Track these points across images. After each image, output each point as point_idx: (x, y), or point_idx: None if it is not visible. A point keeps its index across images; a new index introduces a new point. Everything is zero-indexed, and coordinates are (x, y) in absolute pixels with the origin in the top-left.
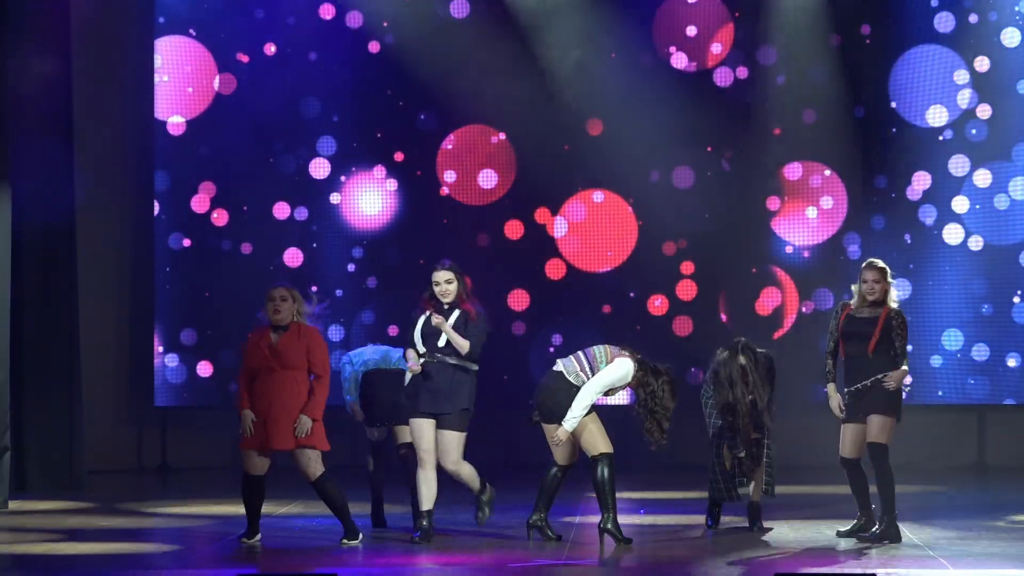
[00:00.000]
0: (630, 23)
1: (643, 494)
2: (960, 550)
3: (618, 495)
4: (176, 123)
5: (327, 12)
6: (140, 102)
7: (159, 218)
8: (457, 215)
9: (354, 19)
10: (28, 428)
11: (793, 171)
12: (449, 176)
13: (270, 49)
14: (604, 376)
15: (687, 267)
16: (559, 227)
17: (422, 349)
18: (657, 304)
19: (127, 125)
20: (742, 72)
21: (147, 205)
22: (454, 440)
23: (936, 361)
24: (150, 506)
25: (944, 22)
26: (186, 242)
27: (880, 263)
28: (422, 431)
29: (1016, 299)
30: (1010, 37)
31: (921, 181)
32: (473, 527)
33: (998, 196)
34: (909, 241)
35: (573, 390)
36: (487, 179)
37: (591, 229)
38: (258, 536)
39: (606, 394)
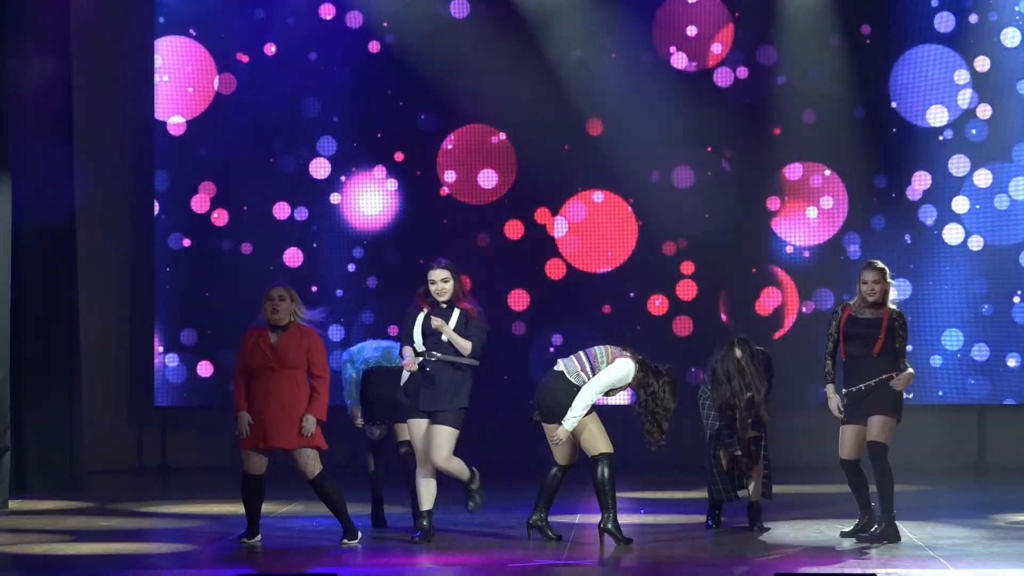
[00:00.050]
0: (630, 23)
1: (643, 494)
2: (960, 550)
3: (618, 495)
4: (176, 123)
5: (327, 12)
6: (140, 102)
7: (159, 218)
8: (457, 215)
9: (354, 19)
10: (28, 428)
11: (793, 171)
12: (449, 176)
13: (270, 49)
14: (605, 376)
15: (687, 267)
16: (559, 227)
17: (421, 348)
18: (657, 304)
19: (127, 125)
20: (742, 72)
21: (147, 205)
22: (447, 436)
23: (936, 361)
24: (150, 506)
25: (944, 22)
26: (186, 242)
27: (880, 264)
28: (421, 431)
29: (1016, 299)
30: (1010, 37)
31: (921, 181)
32: (473, 527)
33: (998, 196)
34: (909, 241)
35: (574, 390)
36: (487, 179)
37: (591, 229)
38: (258, 536)
39: (606, 394)
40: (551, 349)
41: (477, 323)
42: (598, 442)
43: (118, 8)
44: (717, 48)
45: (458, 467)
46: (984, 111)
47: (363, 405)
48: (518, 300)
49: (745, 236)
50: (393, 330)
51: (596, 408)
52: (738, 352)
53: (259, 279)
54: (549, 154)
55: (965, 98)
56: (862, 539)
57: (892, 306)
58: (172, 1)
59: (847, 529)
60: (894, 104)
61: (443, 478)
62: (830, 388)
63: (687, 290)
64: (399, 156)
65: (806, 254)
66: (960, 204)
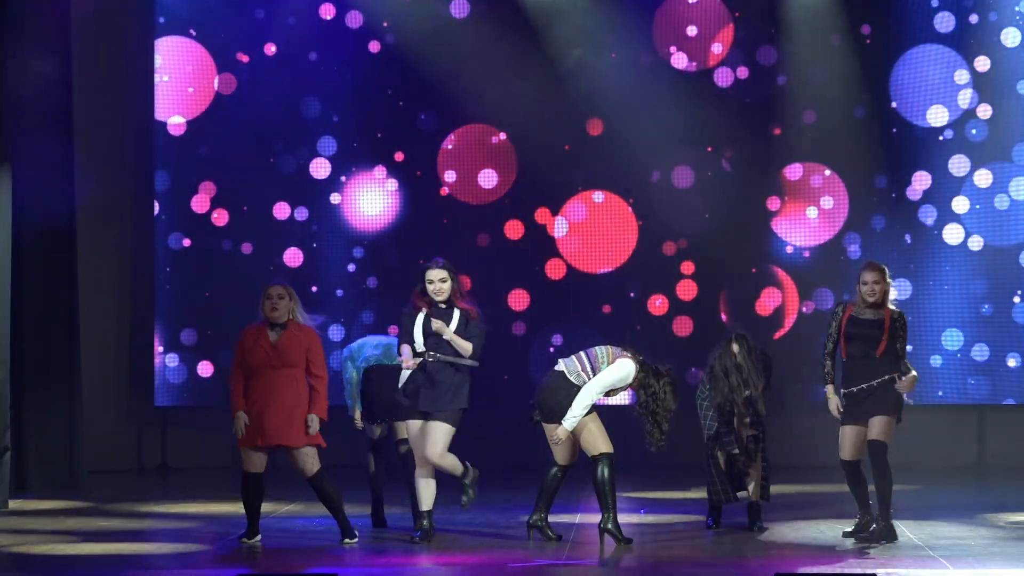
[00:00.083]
0: (630, 23)
1: (643, 494)
2: (960, 550)
3: (618, 495)
4: (176, 123)
5: (327, 12)
6: (140, 102)
7: (159, 218)
8: (457, 215)
9: (354, 19)
10: (28, 428)
11: (793, 171)
12: (449, 176)
13: (270, 49)
14: (605, 376)
15: (687, 267)
16: (559, 227)
17: (422, 348)
18: (657, 304)
19: (127, 125)
20: (742, 72)
21: (147, 205)
22: (443, 432)
23: (936, 361)
24: (150, 506)
25: (944, 22)
26: (186, 242)
27: (879, 264)
28: (421, 432)
29: (1016, 299)
30: (1010, 37)
31: (921, 181)
32: (473, 527)
33: (998, 196)
34: (909, 241)
35: (574, 390)
36: (487, 179)
37: (591, 229)
38: (258, 536)
39: (607, 394)
40: (551, 349)
41: (477, 324)
42: (598, 442)
43: (118, 8)
44: (717, 48)
45: (452, 463)
46: (984, 111)
47: (363, 403)
48: (518, 300)
49: (745, 236)
50: (393, 330)
51: (596, 408)
52: (735, 347)
53: (259, 279)
54: (549, 154)
55: (965, 98)
56: (860, 538)
57: (892, 306)
58: (172, 1)
59: (848, 529)
60: (894, 104)
61: (442, 478)
62: (829, 388)
63: (687, 290)
64: (399, 156)
65: (806, 254)
66: (960, 204)
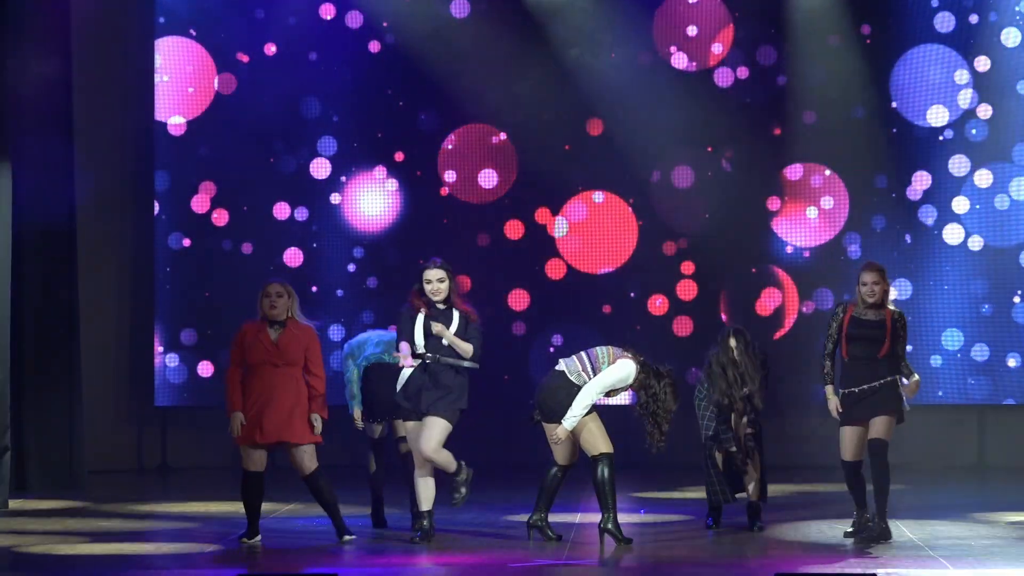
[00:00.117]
0: (630, 23)
1: (643, 494)
2: (960, 550)
3: (618, 495)
4: (176, 123)
5: (327, 12)
6: (140, 102)
7: (159, 218)
8: (457, 215)
9: (354, 19)
10: (28, 428)
11: (793, 171)
12: (449, 176)
13: (270, 49)
14: (606, 377)
15: (687, 267)
16: (559, 227)
17: (422, 350)
18: (657, 304)
19: (127, 125)
20: (742, 72)
21: (147, 205)
22: (440, 427)
23: (936, 361)
24: (150, 506)
25: (944, 22)
26: (186, 242)
27: (878, 264)
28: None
29: (1016, 299)
30: (1010, 37)
31: (921, 181)
32: (473, 527)
33: (998, 196)
34: (909, 241)
35: (574, 389)
36: (487, 179)
37: (591, 229)
38: (258, 536)
39: (607, 395)
40: (551, 349)
41: (476, 326)
42: (598, 442)
43: (118, 8)
44: (717, 48)
45: (446, 459)
46: (984, 111)
47: (363, 402)
48: (518, 300)
49: (745, 236)
50: (394, 330)
51: (596, 408)
52: (732, 342)
53: (259, 279)
54: (549, 154)
55: (965, 98)
56: (858, 538)
57: (891, 307)
58: (172, 1)
59: (849, 529)
60: (894, 104)
61: (441, 477)
62: (829, 389)
63: (687, 290)
64: (399, 156)
65: (806, 254)
66: (960, 204)
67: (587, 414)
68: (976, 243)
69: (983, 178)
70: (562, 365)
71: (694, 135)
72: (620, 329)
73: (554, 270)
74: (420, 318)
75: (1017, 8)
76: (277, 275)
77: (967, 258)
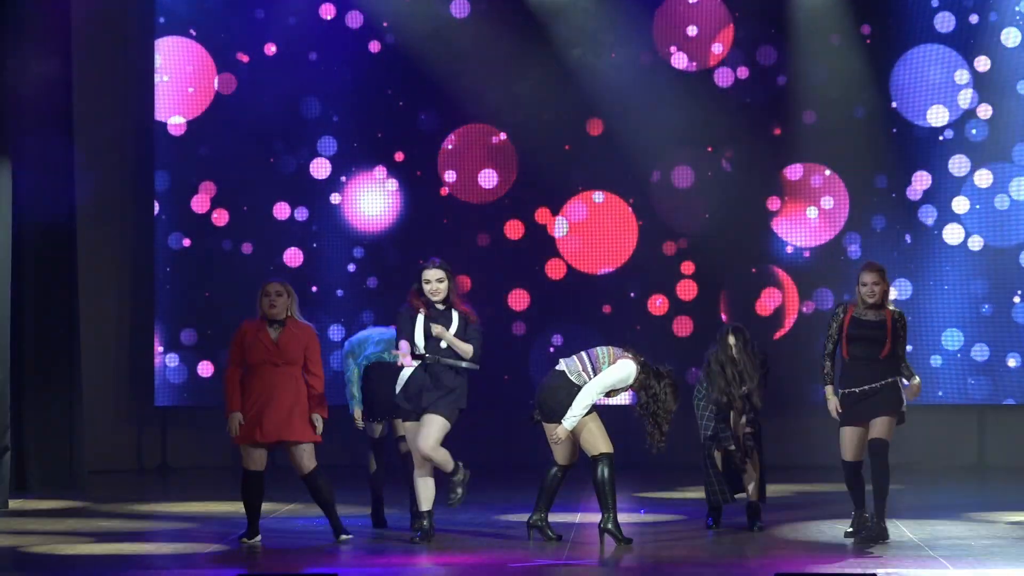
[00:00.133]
0: (630, 23)
1: (643, 494)
2: (960, 550)
3: (618, 495)
4: (176, 123)
5: (327, 12)
6: (140, 102)
7: (159, 218)
8: (457, 215)
9: (354, 19)
10: (28, 428)
11: (793, 171)
12: (449, 176)
13: (270, 49)
14: (606, 377)
15: (687, 267)
16: (559, 227)
17: (422, 350)
18: (657, 304)
19: (127, 125)
20: (742, 72)
21: (147, 205)
22: (438, 424)
23: (936, 361)
24: (150, 506)
25: (944, 22)
26: (186, 242)
27: (878, 264)
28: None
29: (1016, 299)
30: (1010, 37)
31: (921, 181)
32: (473, 527)
33: (998, 196)
34: (909, 241)
35: (575, 389)
36: (488, 179)
37: (591, 229)
38: (258, 536)
39: (607, 395)
40: (551, 349)
41: (476, 327)
42: (598, 442)
43: (118, 8)
44: (717, 48)
45: (443, 457)
46: (984, 111)
47: (363, 401)
48: (518, 300)
49: (745, 236)
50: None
51: (596, 408)
52: (731, 339)
53: (259, 279)
54: (549, 154)
55: (965, 98)
56: (857, 538)
57: (891, 307)
58: (172, 1)
59: (850, 529)
60: (894, 104)
61: (440, 478)
62: (829, 389)
63: (687, 290)
64: (399, 156)
65: (806, 254)
66: (960, 204)
67: (587, 414)
68: (976, 243)
69: (983, 178)
70: (562, 365)
71: (694, 135)
72: (620, 329)
73: (554, 270)
74: (420, 319)
75: (1017, 8)
76: (277, 275)
77: (967, 258)
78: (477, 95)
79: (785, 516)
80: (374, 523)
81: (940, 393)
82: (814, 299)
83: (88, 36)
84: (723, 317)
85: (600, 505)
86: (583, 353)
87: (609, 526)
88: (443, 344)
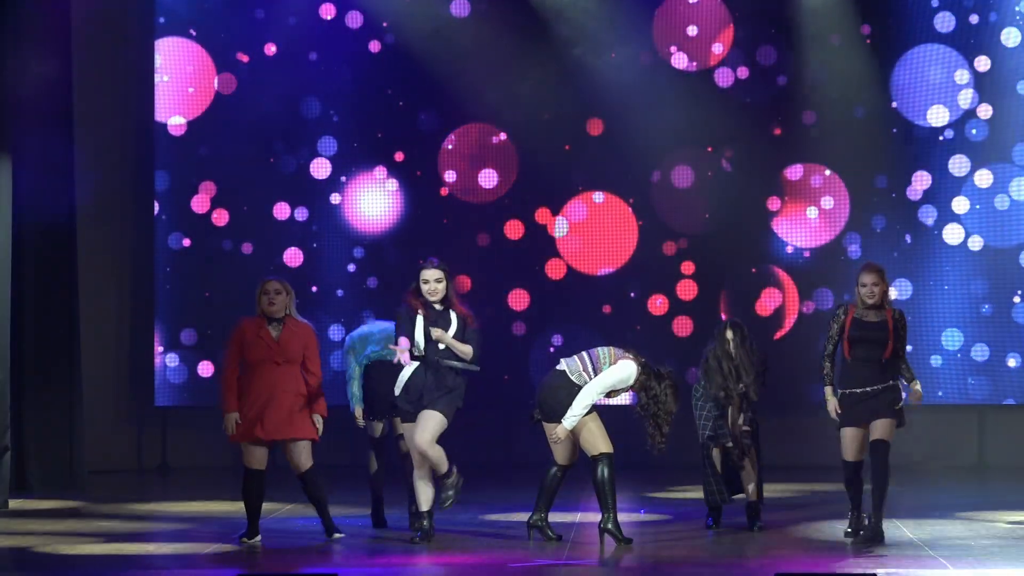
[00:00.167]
0: (630, 23)
1: (643, 494)
2: (960, 550)
3: (618, 495)
4: (176, 123)
5: (327, 12)
6: (140, 102)
7: (159, 218)
8: (457, 215)
9: (354, 19)
10: (28, 428)
11: (794, 171)
12: (450, 176)
13: (270, 49)
14: (607, 377)
15: (687, 267)
16: (559, 227)
17: (420, 350)
18: (657, 304)
19: (127, 125)
20: (742, 72)
21: (147, 205)
22: (435, 420)
23: (936, 361)
24: (150, 506)
25: (944, 22)
26: (186, 242)
27: (877, 265)
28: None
29: (1016, 299)
30: (1010, 37)
31: (921, 181)
32: (473, 527)
33: (998, 196)
34: (909, 241)
35: (575, 389)
36: (488, 179)
37: (591, 229)
38: (258, 536)
39: (608, 395)
40: (551, 349)
41: (474, 329)
42: (598, 442)
43: (118, 8)
44: (717, 48)
45: (438, 455)
46: (984, 111)
47: (364, 399)
48: (518, 300)
49: (745, 236)
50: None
51: (596, 408)
52: (729, 334)
53: (259, 279)
54: (549, 154)
55: (966, 98)
56: (854, 538)
57: (891, 307)
58: (172, 1)
59: (848, 530)
60: (894, 104)
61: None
62: (828, 390)
63: (687, 290)
64: (399, 156)
65: (806, 254)
66: (960, 204)
67: (587, 414)
68: (976, 243)
69: (983, 178)
70: (563, 364)
71: (694, 135)
72: (620, 329)
73: (554, 270)
74: (420, 320)
75: (1017, 8)
76: (274, 273)
77: (967, 258)
78: (477, 95)
79: (785, 516)
80: (374, 523)
81: (940, 393)
82: (814, 299)
83: (88, 36)
84: (723, 317)
85: (600, 505)
86: (584, 353)
87: (609, 526)
88: (442, 347)
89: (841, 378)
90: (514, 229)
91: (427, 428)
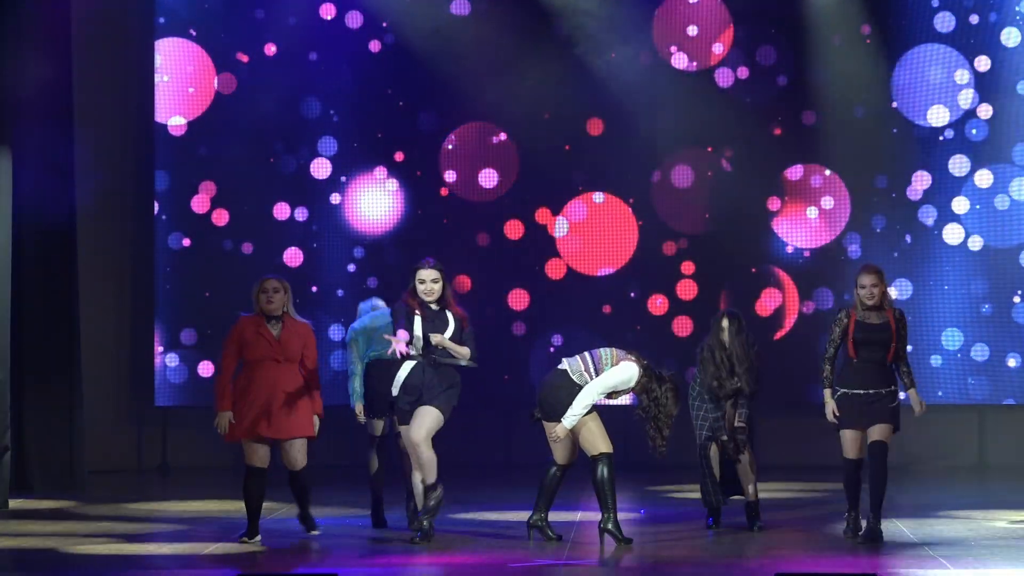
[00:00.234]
0: (631, 23)
1: (643, 494)
2: (960, 550)
3: (618, 495)
4: (176, 123)
5: (327, 12)
6: (140, 102)
7: (159, 218)
8: (458, 215)
9: (354, 19)
10: (28, 428)
11: (794, 171)
12: (450, 176)
13: (270, 49)
14: (608, 378)
15: (687, 267)
16: (560, 227)
17: (417, 351)
18: (657, 304)
19: (127, 125)
20: (743, 72)
21: (147, 205)
22: (433, 416)
23: (936, 361)
24: (150, 506)
25: (944, 22)
26: (186, 242)
27: (876, 266)
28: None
29: (1016, 299)
30: (1010, 37)
31: (921, 181)
32: (473, 527)
33: (998, 196)
34: (909, 241)
35: (576, 389)
36: (488, 179)
37: (591, 229)
38: (258, 536)
39: (608, 396)
40: (551, 349)
41: (470, 331)
42: (598, 441)
43: (118, 8)
44: (718, 48)
45: (430, 460)
46: (985, 111)
47: (364, 397)
48: (518, 300)
49: (745, 236)
50: None
51: (596, 408)
52: (725, 323)
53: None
54: (549, 154)
55: (966, 98)
56: (853, 537)
57: (891, 307)
58: (172, 1)
59: (847, 530)
60: (894, 104)
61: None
62: (827, 393)
63: (687, 290)
64: (399, 156)
65: (806, 254)
66: (960, 204)
67: (587, 414)
68: (976, 243)
69: (983, 178)
70: (565, 364)
71: (694, 135)
72: (620, 329)
73: (554, 270)
74: (418, 320)
75: (1017, 8)
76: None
77: (967, 258)
78: (477, 94)
79: (785, 516)
80: (374, 523)
81: (940, 393)
82: (814, 299)
83: (88, 36)
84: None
85: (600, 505)
86: (586, 353)
87: (609, 526)
88: (443, 347)
89: (841, 378)
90: (514, 229)
91: (423, 424)
